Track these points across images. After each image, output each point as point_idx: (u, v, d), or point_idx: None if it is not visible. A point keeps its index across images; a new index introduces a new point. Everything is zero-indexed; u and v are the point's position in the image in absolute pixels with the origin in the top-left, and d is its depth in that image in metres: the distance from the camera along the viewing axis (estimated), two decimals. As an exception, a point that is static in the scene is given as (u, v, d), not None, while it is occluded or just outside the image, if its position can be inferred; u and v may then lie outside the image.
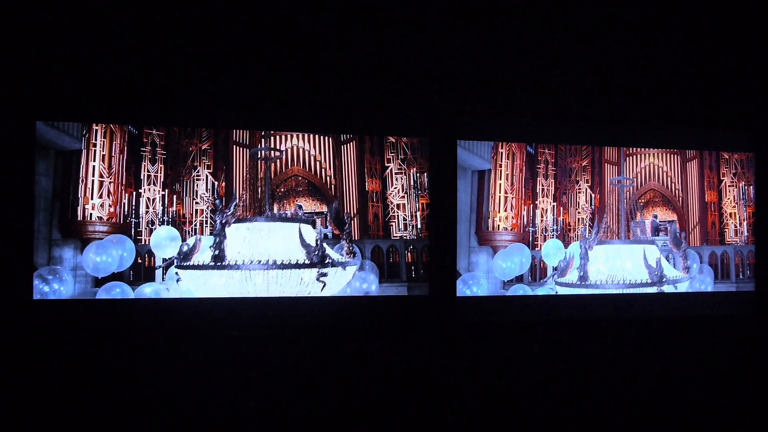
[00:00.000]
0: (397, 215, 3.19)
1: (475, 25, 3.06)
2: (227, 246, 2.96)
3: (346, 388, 3.06)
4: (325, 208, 3.12)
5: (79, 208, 2.88)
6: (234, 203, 3.01)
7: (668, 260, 3.44)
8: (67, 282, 2.85)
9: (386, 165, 3.20)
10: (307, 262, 3.01)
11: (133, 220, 2.94)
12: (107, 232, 2.90)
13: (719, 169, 3.57)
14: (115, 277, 2.90)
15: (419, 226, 3.20)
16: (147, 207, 2.95)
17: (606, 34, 3.15)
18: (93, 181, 2.90)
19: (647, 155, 3.50)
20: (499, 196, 3.31)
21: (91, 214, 2.89)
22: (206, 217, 3.00)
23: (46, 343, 2.83)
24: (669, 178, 3.52)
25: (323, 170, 3.15)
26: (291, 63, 3.10)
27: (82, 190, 2.89)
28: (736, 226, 3.55)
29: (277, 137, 3.11)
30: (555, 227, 3.35)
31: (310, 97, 3.14)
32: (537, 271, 3.32)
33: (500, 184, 3.31)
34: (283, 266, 2.98)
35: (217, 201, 2.99)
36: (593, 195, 3.41)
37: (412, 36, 3.07)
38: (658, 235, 3.46)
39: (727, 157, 3.58)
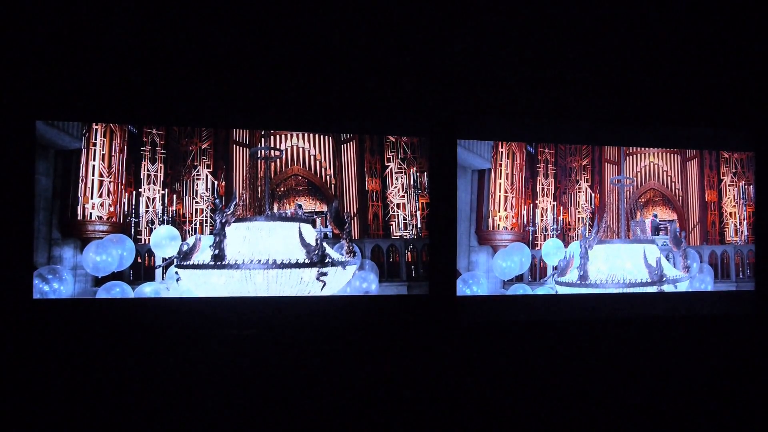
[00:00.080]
0: (397, 214, 3.19)
1: (475, 25, 3.05)
2: (227, 245, 2.96)
3: (346, 387, 3.06)
4: (325, 208, 3.12)
5: (79, 207, 2.89)
6: (234, 202, 3.01)
7: (668, 259, 3.44)
8: (67, 281, 2.85)
9: (386, 164, 3.20)
10: (307, 261, 3.01)
11: (133, 219, 2.94)
12: (107, 232, 2.91)
13: (719, 168, 3.57)
14: (115, 276, 2.90)
15: (419, 225, 3.20)
16: (147, 206, 2.95)
17: (606, 33, 3.15)
18: (93, 180, 2.91)
19: (647, 154, 3.50)
20: (499, 196, 3.31)
21: (91, 213, 2.89)
22: (206, 217, 3.00)
23: (46, 342, 2.83)
24: (669, 178, 3.52)
25: (323, 169, 3.15)
26: (291, 63, 3.10)
27: (82, 190, 2.89)
28: (736, 226, 3.55)
29: (277, 136, 3.11)
30: (555, 226, 3.35)
31: (310, 96, 3.14)
32: (537, 271, 3.32)
33: (500, 184, 3.31)
34: (283, 266, 2.98)
35: (217, 200, 2.99)
36: (593, 194, 3.41)
37: (412, 36, 3.07)
38: (658, 234, 3.46)
39: (727, 156, 3.58)
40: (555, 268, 3.32)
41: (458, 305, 3.21)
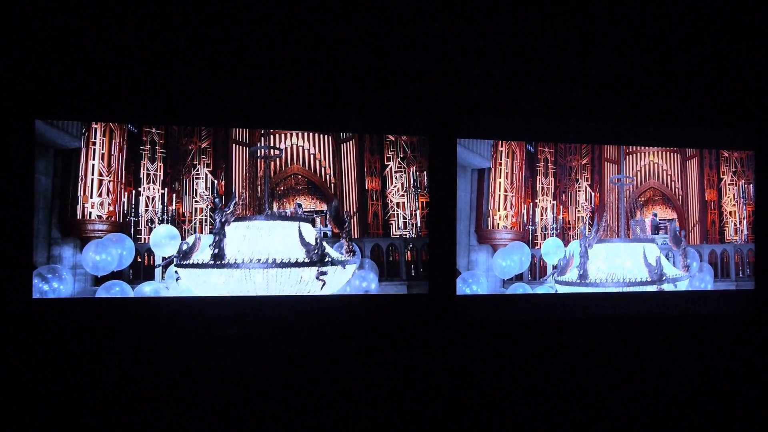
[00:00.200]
0: (397, 214, 3.19)
1: (475, 25, 3.05)
2: (227, 244, 2.96)
3: (346, 386, 3.06)
4: (324, 207, 3.12)
5: (78, 206, 2.88)
6: (233, 202, 3.01)
7: (668, 259, 3.44)
8: (66, 281, 2.85)
9: (386, 163, 3.20)
10: (306, 260, 3.01)
11: (132, 218, 2.94)
12: (107, 231, 2.90)
13: (719, 167, 3.57)
14: (115, 275, 2.90)
15: (419, 224, 3.20)
16: (146, 205, 2.95)
17: (606, 33, 3.15)
18: (92, 179, 2.90)
19: (647, 153, 3.50)
20: (499, 195, 3.31)
21: (90, 212, 2.89)
22: (206, 216, 3.00)
23: (45, 341, 2.83)
24: (669, 177, 3.52)
25: (323, 169, 3.14)
26: (291, 62, 3.10)
27: (82, 189, 2.89)
28: (735, 225, 3.55)
29: (277, 136, 3.11)
30: (555, 225, 3.35)
31: (309, 96, 3.14)
32: (537, 270, 3.32)
33: (500, 183, 3.31)
34: (283, 265, 2.98)
35: (217, 199, 2.99)
36: (593, 193, 3.41)
37: (412, 36, 3.07)
38: (657, 233, 3.46)
39: (727, 155, 3.58)
40: (555, 267, 3.32)
41: (458, 304, 3.21)
